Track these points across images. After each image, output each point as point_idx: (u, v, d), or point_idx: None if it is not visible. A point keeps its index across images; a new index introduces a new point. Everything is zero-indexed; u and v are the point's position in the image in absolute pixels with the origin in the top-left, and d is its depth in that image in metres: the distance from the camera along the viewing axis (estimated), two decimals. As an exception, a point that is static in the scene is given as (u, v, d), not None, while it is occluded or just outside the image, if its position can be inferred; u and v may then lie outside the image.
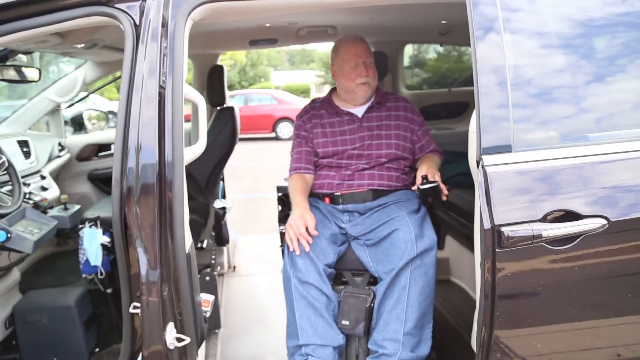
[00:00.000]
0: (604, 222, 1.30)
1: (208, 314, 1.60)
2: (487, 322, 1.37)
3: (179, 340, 1.36)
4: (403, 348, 1.84)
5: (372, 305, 1.94)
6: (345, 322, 1.92)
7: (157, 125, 1.32)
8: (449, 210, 2.92)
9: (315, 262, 1.93)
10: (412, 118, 2.26)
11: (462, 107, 3.64)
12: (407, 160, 2.22)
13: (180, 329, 1.38)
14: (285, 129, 14.32)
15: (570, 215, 1.31)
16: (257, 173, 8.58)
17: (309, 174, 2.24)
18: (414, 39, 3.56)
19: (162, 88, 1.35)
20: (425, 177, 1.93)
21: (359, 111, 2.25)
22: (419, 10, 2.47)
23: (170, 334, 1.35)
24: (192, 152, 1.45)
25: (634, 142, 1.41)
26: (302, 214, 1.98)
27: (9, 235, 1.71)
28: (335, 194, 2.15)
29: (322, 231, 2.01)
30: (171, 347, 1.35)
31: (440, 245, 2.65)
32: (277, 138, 14.29)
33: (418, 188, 1.92)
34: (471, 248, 2.79)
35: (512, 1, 1.45)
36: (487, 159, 1.32)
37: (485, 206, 1.28)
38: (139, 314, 1.35)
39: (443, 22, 2.81)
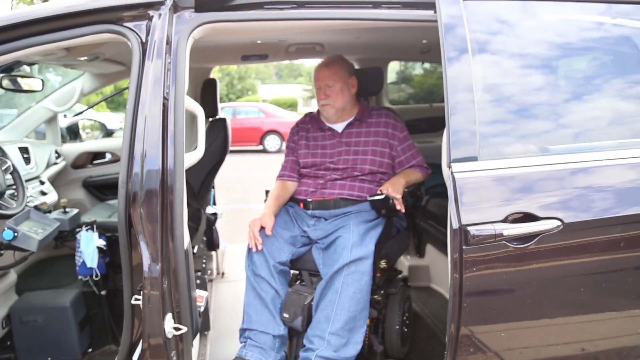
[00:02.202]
0: (559, 223, 1.46)
1: (202, 309, 1.73)
2: (455, 317, 1.51)
3: (177, 329, 1.49)
4: (327, 346, 1.99)
5: (311, 303, 2.12)
6: (286, 315, 2.12)
7: (161, 133, 1.46)
8: (429, 219, 3.09)
9: (267, 259, 2.16)
10: (393, 134, 2.37)
11: (442, 122, 3.81)
12: (384, 174, 2.36)
13: (177, 320, 1.51)
14: (273, 142, 14.45)
15: (529, 217, 1.47)
16: (244, 184, 8.69)
17: (290, 181, 2.48)
18: (397, 57, 3.74)
19: (165, 99, 1.49)
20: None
21: (340, 127, 2.45)
22: (402, 30, 2.65)
23: (169, 324, 1.47)
24: (191, 158, 1.59)
25: (586, 154, 1.60)
26: (262, 216, 2.24)
27: (15, 234, 1.82)
28: (308, 200, 2.36)
29: (281, 232, 2.24)
30: (169, 335, 1.47)
31: (422, 253, 2.83)
32: (264, 151, 14.40)
33: (368, 199, 2.18)
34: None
35: (480, 26, 1.63)
36: (455, 167, 1.48)
37: (454, 208, 1.44)
38: (140, 305, 1.47)
39: (424, 41, 2.99)
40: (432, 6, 1.64)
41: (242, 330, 2.17)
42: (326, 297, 2.05)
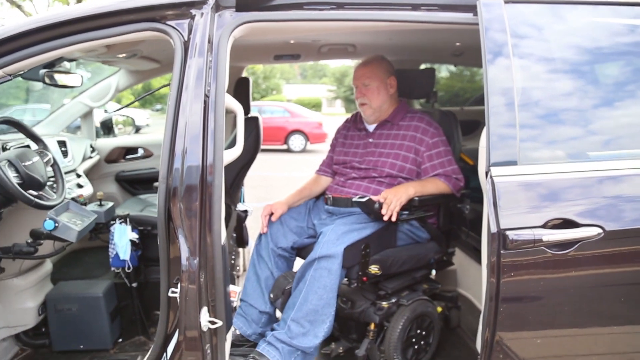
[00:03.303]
0: (600, 230, 1.44)
1: (235, 304, 1.75)
2: (490, 323, 1.50)
3: (212, 323, 1.51)
4: (286, 330, 2.05)
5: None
6: (271, 295, 2.30)
7: (201, 130, 1.49)
8: (459, 223, 3.06)
9: (269, 242, 2.36)
10: (421, 139, 2.32)
11: (474, 126, 3.78)
12: (405, 179, 2.33)
13: (212, 314, 1.53)
14: (297, 142, 14.49)
15: (568, 224, 1.45)
16: (269, 183, 8.75)
17: (325, 176, 2.63)
18: (429, 59, 3.71)
19: (206, 97, 1.52)
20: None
21: (371, 128, 2.48)
22: (435, 32, 2.64)
23: (205, 317, 1.50)
24: (230, 155, 1.61)
25: (630, 161, 1.56)
26: (274, 203, 2.42)
27: (56, 224, 1.87)
28: (327, 195, 2.44)
29: (289, 221, 2.40)
30: (204, 329, 1.50)
31: (449, 258, 2.80)
32: (288, 150, 14.47)
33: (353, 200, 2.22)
34: (478, 260, 2.93)
35: (521, 28, 1.62)
36: (495, 170, 1.47)
37: (492, 212, 1.43)
38: (177, 298, 1.50)
39: (457, 44, 2.97)
40: (471, 9, 1.63)
41: (240, 300, 2.35)
42: (297, 286, 2.12)
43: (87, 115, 3.29)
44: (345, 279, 2.21)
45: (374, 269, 2.16)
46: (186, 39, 1.57)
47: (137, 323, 2.67)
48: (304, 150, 14.37)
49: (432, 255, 2.41)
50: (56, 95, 5.23)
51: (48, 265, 2.62)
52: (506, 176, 1.47)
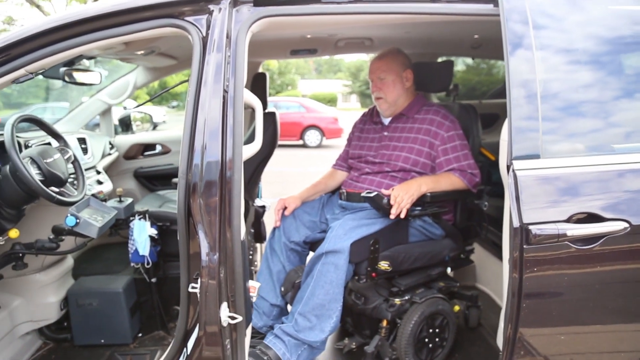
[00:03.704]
0: (626, 225, 1.41)
1: (254, 299, 1.75)
2: (513, 319, 1.48)
3: (232, 318, 1.51)
4: (293, 324, 2.06)
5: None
6: (282, 289, 2.33)
7: (220, 125, 1.49)
8: (478, 220, 3.03)
9: (282, 236, 2.38)
10: (436, 132, 2.28)
11: (493, 119, 3.73)
12: (419, 174, 2.30)
13: (232, 309, 1.53)
14: (313, 137, 14.46)
15: (593, 218, 1.42)
16: (285, 178, 8.76)
17: (340, 170, 2.62)
18: (446, 52, 3.66)
19: (225, 92, 1.52)
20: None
21: (387, 121, 2.46)
22: (453, 25, 2.60)
23: (224, 313, 1.50)
24: (249, 150, 1.61)
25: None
26: (288, 198, 2.44)
27: (77, 220, 1.90)
28: (341, 190, 2.44)
29: (302, 215, 2.42)
30: (224, 324, 1.50)
31: (467, 256, 2.76)
32: (304, 146, 14.45)
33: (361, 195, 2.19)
34: (497, 254, 2.90)
35: (543, 19, 1.58)
36: (517, 164, 1.44)
37: (514, 206, 1.40)
38: (197, 293, 1.51)
39: (475, 36, 2.93)
40: (491, 0, 1.60)
41: None
42: (306, 280, 2.12)
43: (106, 112, 3.33)
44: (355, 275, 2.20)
45: (383, 265, 2.14)
46: (204, 34, 1.57)
47: (156, 318, 2.70)
48: (319, 146, 14.35)
49: (446, 252, 2.36)
50: (75, 93, 5.31)
51: (69, 261, 2.66)
52: (529, 170, 1.44)
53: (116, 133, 3.56)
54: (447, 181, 2.23)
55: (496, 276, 2.96)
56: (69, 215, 1.89)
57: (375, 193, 2.11)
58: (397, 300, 2.19)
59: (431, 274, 2.35)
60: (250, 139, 1.70)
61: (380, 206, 2.10)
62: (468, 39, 3.01)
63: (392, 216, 2.06)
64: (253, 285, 1.74)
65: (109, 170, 3.32)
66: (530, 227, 1.40)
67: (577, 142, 1.53)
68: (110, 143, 3.26)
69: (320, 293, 2.03)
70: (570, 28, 1.61)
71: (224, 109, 1.51)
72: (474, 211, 2.52)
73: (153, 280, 2.65)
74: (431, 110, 2.37)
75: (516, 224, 1.40)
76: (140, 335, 2.65)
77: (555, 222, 1.40)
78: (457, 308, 2.44)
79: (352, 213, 2.27)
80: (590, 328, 1.51)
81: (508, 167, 1.46)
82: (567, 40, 1.60)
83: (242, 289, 1.55)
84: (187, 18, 1.59)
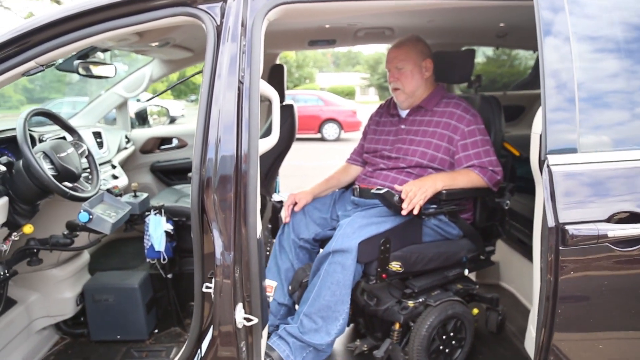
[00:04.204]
0: (673, 225, 1.30)
1: (271, 299, 1.69)
2: (547, 324, 1.38)
3: (247, 320, 1.45)
4: (299, 325, 1.97)
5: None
6: (289, 287, 2.24)
7: (236, 117, 1.42)
8: (500, 219, 2.91)
9: (290, 232, 2.28)
10: (455, 126, 2.15)
11: (518, 111, 3.60)
12: (436, 170, 2.18)
13: (248, 310, 1.47)
14: (331, 130, 14.38)
15: (637, 218, 1.31)
16: (303, 172, 8.71)
17: (354, 165, 2.53)
18: (470, 42, 3.54)
19: (240, 83, 1.45)
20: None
21: (404, 113, 2.33)
22: (478, 13, 2.49)
23: (240, 314, 1.44)
24: (266, 144, 1.54)
25: None
26: (299, 193, 2.35)
27: (91, 216, 1.86)
28: (355, 186, 2.34)
29: (312, 212, 2.31)
30: (240, 326, 1.44)
31: (487, 257, 2.65)
32: (322, 139, 14.38)
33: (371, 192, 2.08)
34: (522, 252, 2.79)
35: (579, 4, 1.47)
36: (552, 159, 1.34)
37: (550, 204, 1.30)
38: (212, 294, 1.45)
39: (501, 24, 2.80)
40: None
41: None
42: (312, 280, 2.04)
43: (122, 106, 3.29)
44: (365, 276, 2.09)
45: (395, 265, 2.03)
46: (219, 23, 1.50)
47: (172, 314, 2.67)
48: (338, 139, 14.26)
49: (464, 253, 2.23)
50: (94, 87, 5.32)
51: (85, 256, 2.64)
52: (565, 165, 1.34)
53: (132, 127, 3.53)
54: (465, 178, 2.09)
55: (521, 274, 2.86)
56: (82, 211, 1.85)
57: (386, 190, 2.00)
58: (411, 303, 2.08)
59: (448, 275, 2.22)
60: (267, 133, 1.63)
61: (391, 203, 1.99)
62: (493, 28, 2.89)
63: (403, 212, 1.95)
64: (270, 284, 1.68)
65: (125, 164, 3.30)
66: (567, 227, 1.29)
67: (618, 135, 1.42)
68: (126, 137, 3.23)
69: (326, 294, 1.94)
70: (610, 14, 1.50)
71: (239, 101, 1.44)
72: (496, 210, 2.37)
73: (169, 276, 2.62)
74: (451, 103, 2.23)
75: (551, 223, 1.30)
76: (156, 331, 2.63)
77: (595, 222, 1.30)
78: (475, 311, 2.31)
79: (363, 210, 2.17)
80: (632, 334, 1.40)
81: (542, 162, 1.36)
82: (606, 25, 1.48)
83: (258, 289, 1.49)
84: (201, 6, 1.52)
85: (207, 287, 1.47)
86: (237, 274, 1.44)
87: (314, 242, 2.29)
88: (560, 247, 1.29)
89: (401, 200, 1.97)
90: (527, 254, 2.72)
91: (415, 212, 1.96)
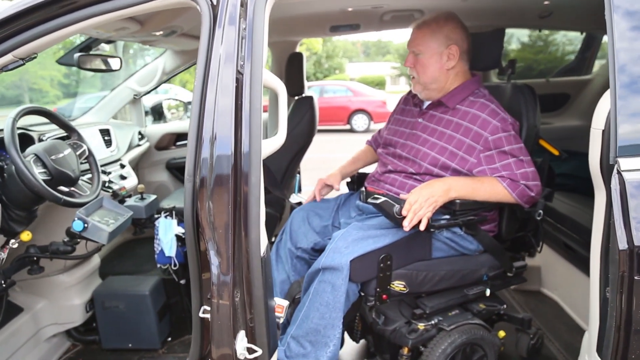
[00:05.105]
0: None
1: (281, 320, 1.48)
2: (617, 356, 1.12)
3: (250, 350, 1.25)
4: (285, 348, 1.72)
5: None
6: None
7: (233, 114, 1.21)
8: (546, 214, 2.62)
9: (287, 241, 2.05)
10: (478, 133, 1.80)
11: (563, 99, 3.28)
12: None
13: (251, 338, 1.27)
14: (360, 121, 14.09)
15: None
16: (329, 165, 8.44)
17: (372, 148, 2.38)
18: (509, 24, 3.23)
19: (239, 74, 1.23)
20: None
21: (425, 105, 2.01)
22: (521, -11, 2.21)
23: (241, 344, 1.24)
24: (271, 145, 1.32)
25: None
26: (328, 177, 2.22)
27: (85, 225, 1.70)
28: (362, 189, 2.06)
29: (313, 219, 2.08)
30: (241, 357, 1.24)
31: (532, 252, 2.36)
32: (351, 130, 14.10)
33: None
34: (568, 258, 2.50)
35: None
36: (624, 163, 1.07)
37: (620, 221, 1.04)
38: (209, 319, 1.25)
39: (545, 2, 2.50)
40: None
41: None
42: (303, 297, 1.78)
43: (135, 101, 3.14)
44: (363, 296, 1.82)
45: (398, 285, 1.74)
46: (215, 2, 1.28)
47: (186, 321, 2.51)
48: (367, 130, 13.94)
49: (484, 271, 1.90)
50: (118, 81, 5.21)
51: (95, 260, 2.52)
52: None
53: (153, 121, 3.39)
54: (489, 190, 1.75)
55: (566, 281, 2.58)
56: (76, 219, 1.69)
57: (383, 199, 1.69)
58: (421, 325, 1.79)
59: (468, 294, 1.90)
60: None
61: (390, 215, 1.69)
62: (536, 7, 2.59)
63: (405, 228, 1.65)
64: (280, 303, 1.47)
65: (140, 161, 3.16)
66: None
67: None
68: (140, 133, 3.08)
69: (315, 316, 1.69)
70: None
71: (238, 95, 1.22)
72: (528, 220, 1.99)
73: (182, 281, 2.46)
74: (477, 103, 1.85)
75: (623, 245, 1.03)
76: (169, 339, 2.50)
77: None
78: (502, 334, 1.98)
79: (362, 221, 1.90)
80: None
81: (609, 167, 1.09)
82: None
83: (263, 314, 1.28)
84: None
85: (205, 312, 1.28)
86: (238, 297, 1.23)
87: (312, 252, 2.02)
88: (637, 277, 1.03)
89: (401, 212, 1.67)
90: (574, 260, 2.45)
91: (422, 227, 1.65)
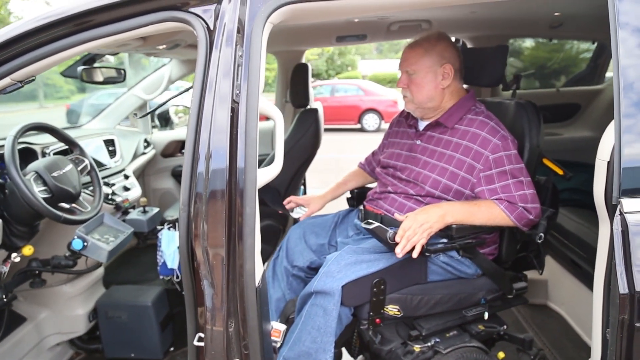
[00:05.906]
0: None
1: (278, 345, 1.47)
2: None
3: (244, 380, 1.24)
4: None
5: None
6: (278, 321, 1.91)
7: (228, 145, 1.19)
8: (552, 229, 2.57)
9: (283, 258, 2.02)
10: (478, 152, 1.76)
11: (573, 110, 3.21)
12: (447, 201, 1.81)
13: (245, 367, 1.26)
14: (371, 121, 14.00)
15: None
16: (340, 165, 8.45)
17: (365, 170, 2.31)
18: (518, 33, 3.18)
19: (235, 102, 1.21)
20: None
21: (422, 125, 1.96)
22: (530, 0, 2.15)
23: (235, 374, 1.23)
24: (267, 175, 1.30)
25: None
26: (309, 198, 2.19)
27: (85, 243, 1.71)
28: (361, 207, 2.05)
29: (309, 237, 2.04)
30: (235, 387, 1.23)
31: (540, 266, 2.30)
32: (362, 130, 14.02)
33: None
34: (575, 273, 2.46)
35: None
36: (627, 204, 1.03)
37: (621, 265, 1.00)
38: (203, 348, 1.25)
39: (556, 13, 2.45)
40: None
41: None
42: (295, 319, 1.74)
43: (142, 108, 3.15)
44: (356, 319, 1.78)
45: (392, 309, 1.72)
46: (212, 27, 1.26)
47: (189, 331, 2.51)
48: (378, 130, 13.86)
49: (482, 295, 1.86)
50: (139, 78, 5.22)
51: (99, 270, 2.53)
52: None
53: (155, 128, 3.38)
54: (486, 213, 1.71)
55: (573, 296, 2.54)
56: (75, 237, 1.69)
57: (376, 225, 1.65)
58: (417, 347, 1.74)
59: (466, 315, 1.86)
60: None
61: (384, 241, 1.66)
62: (547, 17, 2.54)
63: (398, 255, 1.60)
64: (277, 328, 1.46)
65: (146, 169, 3.16)
66: None
67: None
68: (145, 141, 3.08)
69: (306, 339, 1.65)
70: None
71: (233, 124, 1.21)
72: (529, 242, 1.92)
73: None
74: (477, 121, 1.81)
75: (623, 289, 1.00)
76: (172, 349, 2.50)
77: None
78: (501, 355, 1.93)
79: (358, 242, 1.87)
80: None
81: (614, 207, 1.05)
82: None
83: (257, 343, 1.27)
84: (192, 9, 1.29)
85: (200, 339, 1.27)
86: (232, 327, 1.22)
87: (308, 271, 1.99)
88: (637, 324, 0.99)
89: (394, 238, 1.63)
90: (580, 275, 2.40)
91: (414, 254, 1.61)
